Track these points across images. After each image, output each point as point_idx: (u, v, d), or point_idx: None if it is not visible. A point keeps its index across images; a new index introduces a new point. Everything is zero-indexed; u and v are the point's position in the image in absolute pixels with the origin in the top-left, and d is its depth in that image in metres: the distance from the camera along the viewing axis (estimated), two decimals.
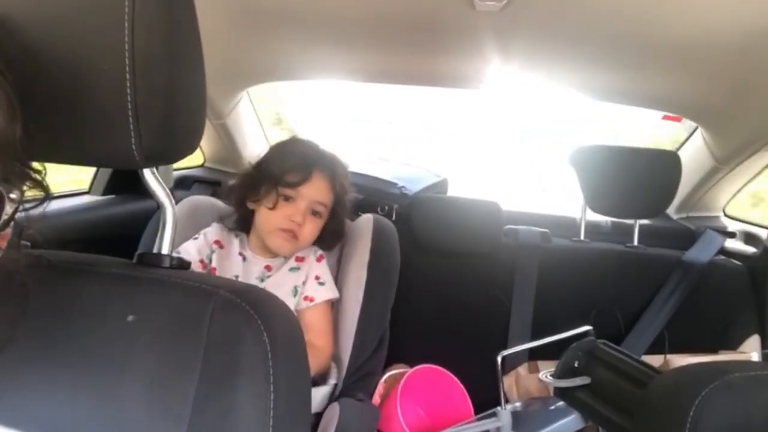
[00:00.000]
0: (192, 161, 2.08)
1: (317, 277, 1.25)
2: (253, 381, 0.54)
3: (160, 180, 0.68)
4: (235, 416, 0.53)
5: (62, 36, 0.53)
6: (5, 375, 0.55)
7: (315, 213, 1.20)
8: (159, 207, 0.70)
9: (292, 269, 1.25)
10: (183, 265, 0.67)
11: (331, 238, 1.29)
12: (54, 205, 1.41)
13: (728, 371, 0.67)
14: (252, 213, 1.23)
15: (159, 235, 0.69)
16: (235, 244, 1.26)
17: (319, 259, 1.28)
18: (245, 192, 1.23)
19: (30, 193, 0.54)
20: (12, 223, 0.51)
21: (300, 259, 1.26)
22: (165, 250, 0.68)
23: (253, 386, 0.53)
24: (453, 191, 2.03)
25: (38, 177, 0.53)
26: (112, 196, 1.60)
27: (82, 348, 0.56)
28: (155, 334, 0.56)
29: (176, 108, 0.58)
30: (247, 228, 1.27)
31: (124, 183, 1.62)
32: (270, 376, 0.54)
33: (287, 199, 1.18)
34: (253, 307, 0.57)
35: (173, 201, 0.70)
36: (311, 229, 1.20)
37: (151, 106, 0.55)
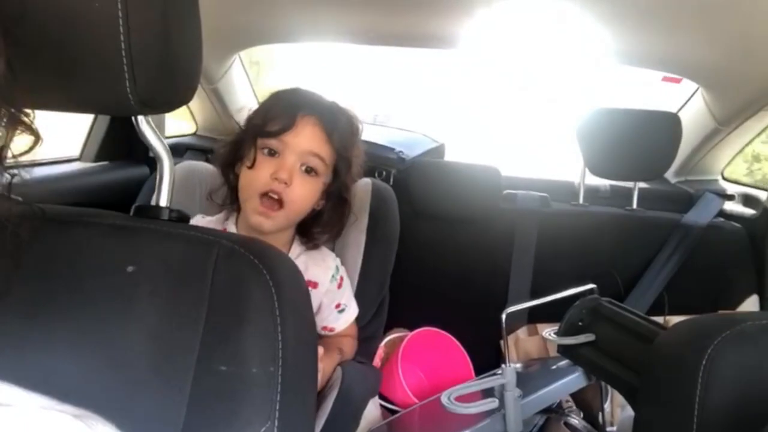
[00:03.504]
0: (184, 129, 2.05)
1: (338, 306, 1.11)
2: (260, 330, 0.52)
3: (156, 130, 0.65)
4: (242, 367, 0.51)
5: None
6: (2, 329, 0.53)
7: (309, 170, 0.98)
8: (156, 161, 0.68)
9: None
10: (182, 217, 0.65)
11: (335, 213, 1.07)
12: (43, 171, 1.38)
13: (739, 321, 0.66)
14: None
15: (156, 187, 0.66)
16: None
17: (339, 285, 1.11)
18: (229, 155, 1.04)
19: (20, 140, 0.51)
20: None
21: (312, 285, 1.06)
22: (163, 203, 0.66)
23: (260, 335, 0.52)
24: (450, 156, 2.00)
25: (27, 120, 0.50)
26: (104, 162, 1.56)
27: (80, 300, 0.54)
28: (157, 285, 0.54)
29: (172, 50, 0.55)
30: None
31: (116, 149, 1.58)
32: (277, 325, 0.52)
33: (271, 153, 0.96)
34: (257, 257, 0.55)
35: (170, 152, 0.67)
36: (303, 190, 0.97)
37: (146, 49, 0.52)
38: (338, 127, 1.00)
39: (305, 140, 0.96)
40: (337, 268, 1.12)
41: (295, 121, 0.95)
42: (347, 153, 1.03)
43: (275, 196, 0.95)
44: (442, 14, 1.43)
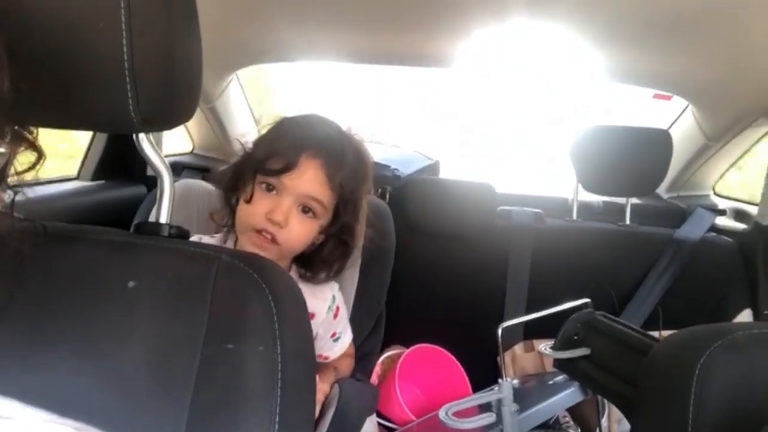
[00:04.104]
0: (181, 148, 2.06)
1: (333, 335, 1.09)
2: (260, 344, 0.53)
3: (156, 147, 0.66)
4: (242, 380, 0.52)
5: None
6: (2, 344, 0.54)
7: (307, 211, 0.94)
8: (157, 177, 0.69)
9: None
10: (182, 234, 0.66)
11: (336, 252, 1.03)
12: (41, 190, 1.38)
13: (731, 330, 0.68)
14: None
15: (156, 204, 0.67)
16: None
17: (335, 315, 1.07)
18: (231, 180, 1.00)
19: (23, 157, 0.52)
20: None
21: (309, 316, 1.06)
22: (163, 220, 0.66)
23: (260, 347, 0.52)
24: (445, 173, 2.02)
25: (30, 137, 0.51)
26: (102, 181, 1.57)
27: (81, 316, 0.55)
28: (157, 300, 0.55)
29: (174, 70, 0.57)
30: None
31: (114, 168, 1.59)
32: (276, 339, 0.53)
33: (270, 188, 0.92)
34: (257, 271, 0.56)
35: (170, 169, 0.68)
36: (299, 230, 0.93)
37: (148, 67, 0.53)
38: (343, 169, 0.94)
39: (305, 184, 0.91)
40: (334, 298, 1.08)
41: (297, 162, 0.90)
42: (352, 195, 0.98)
43: (268, 236, 0.92)
44: (439, 34, 1.46)
